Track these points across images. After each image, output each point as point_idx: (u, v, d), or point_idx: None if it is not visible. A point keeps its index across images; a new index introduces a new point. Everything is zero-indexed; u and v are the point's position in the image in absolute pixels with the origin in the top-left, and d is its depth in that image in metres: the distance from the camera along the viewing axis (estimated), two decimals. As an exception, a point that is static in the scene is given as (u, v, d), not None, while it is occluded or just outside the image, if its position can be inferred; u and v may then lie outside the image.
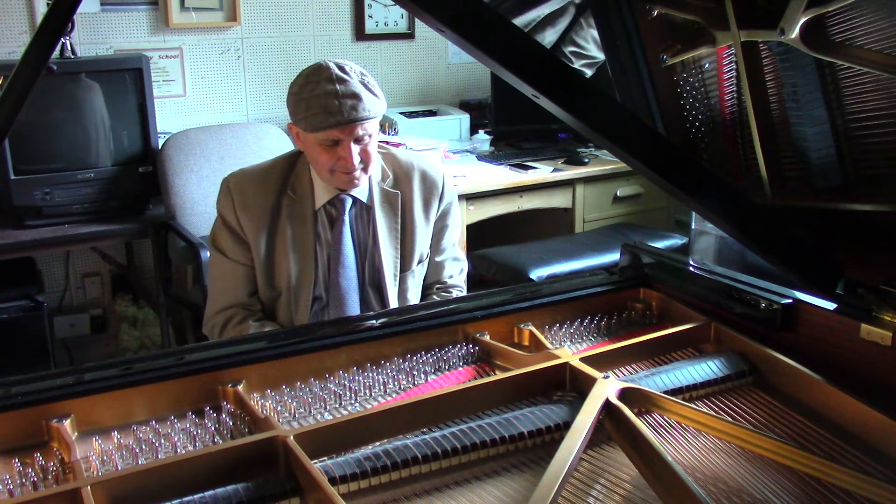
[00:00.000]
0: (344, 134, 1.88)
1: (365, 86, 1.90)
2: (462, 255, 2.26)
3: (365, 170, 1.96)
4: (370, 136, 1.93)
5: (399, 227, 2.07)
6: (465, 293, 2.22)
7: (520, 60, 1.08)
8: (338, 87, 1.86)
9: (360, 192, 2.04)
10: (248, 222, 1.99)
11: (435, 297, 2.16)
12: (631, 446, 1.12)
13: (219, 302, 2.04)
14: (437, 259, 2.16)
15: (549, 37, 3.76)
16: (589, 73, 3.83)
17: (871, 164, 1.21)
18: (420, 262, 2.12)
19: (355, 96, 1.86)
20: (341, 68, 1.89)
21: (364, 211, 2.05)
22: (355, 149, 1.91)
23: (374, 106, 1.90)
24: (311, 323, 2.03)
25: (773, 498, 1.06)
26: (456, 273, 2.21)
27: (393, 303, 2.07)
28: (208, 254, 2.25)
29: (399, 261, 2.07)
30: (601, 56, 3.39)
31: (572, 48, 3.68)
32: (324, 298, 2.05)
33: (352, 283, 2.04)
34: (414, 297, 2.12)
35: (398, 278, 2.07)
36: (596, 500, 1.05)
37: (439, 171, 2.15)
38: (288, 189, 2.02)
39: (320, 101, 1.85)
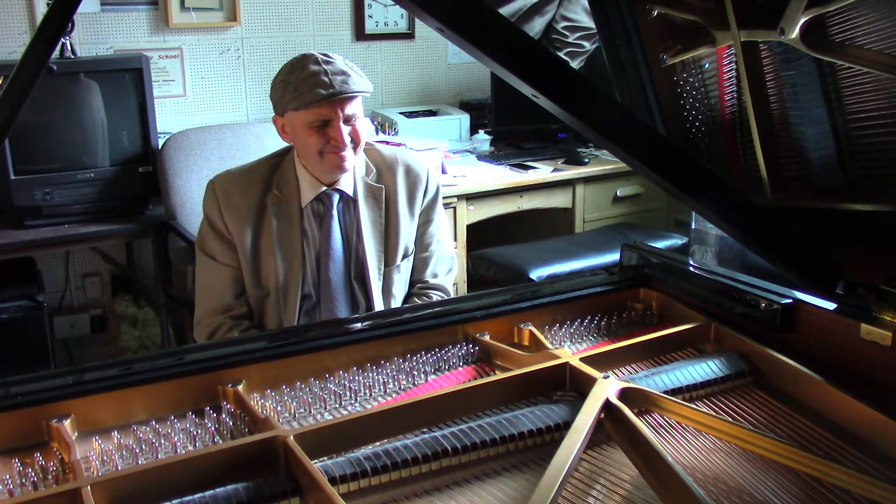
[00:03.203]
0: (334, 111, 1.91)
1: (350, 67, 1.95)
2: (450, 254, 2.24)
3: (355, 149, 1.98)
4: (358, 117, 1.96)
5: (383, 221, 2.07)
6: (448, 295, 2.21)
7: (520, 60, 1.08)
8: (324, 66, 1.91)
9: (346, 186, 2.05)
10: (233, 222, 2.00)
11: (415, 298, 2.15)
12: (631, 446, 1.12)
13: (206, 305, 2.05)
14: (422, 255, 2.16)
15: (537, 25, 3.78)
16: (587, 45, 3.85)
17: (871, 164, 1.21)
18: (405, 257, 2.12)
19: (343, 73, 1.91)
20: (324, 54, 1.95)
21: (350, 205, 2.06)
22: (345, 129, 1.93)
23: (361, 82, 1.93)
24: (311, 323, 2.04)
25: (773, 498, 1.06)
26: (442, 273, 2.19)
27: (377, 298, 2.07)
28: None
29: (383, 255, 2.07)
30: (593, 25, 3.40)
31: (564, 24, 3.70)
32: (313, 296, 2.05)
33: (340, 278, 2.05)
34: (399, 293, 2.12)
35: (382, 273, 2.08)
36: (596, 500, 1.05)
37: (423, 164, 2.16)
38: (273, 188, 2.03)
39: (309, 80, 1.89)
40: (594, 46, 3.77)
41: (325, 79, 1.88)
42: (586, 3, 3.62)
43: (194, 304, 2.11)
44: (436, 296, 2.17)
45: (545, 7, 3.61)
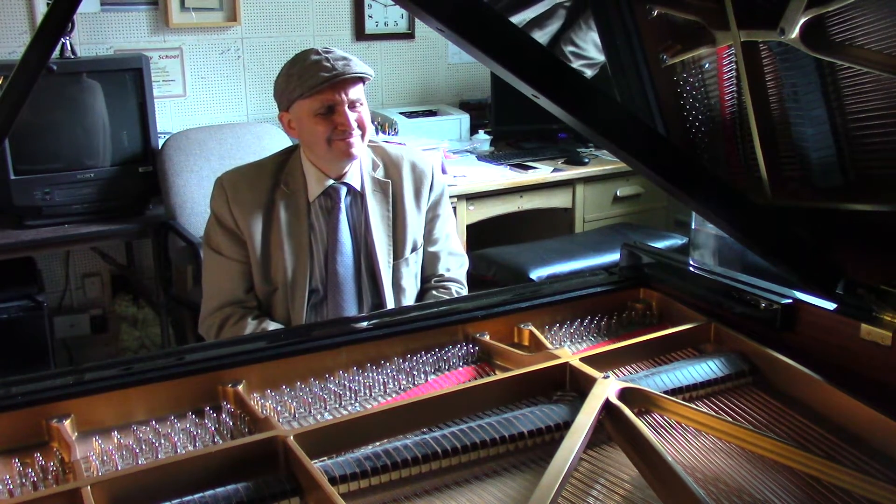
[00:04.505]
0: (338, 94, 1.94)
1: (350, 55, 1.99)
2: (460, 249, 2.27)
3: (362, 136, 2.01)
4: (361, 103, 2.00)
5: (391, 215, 2.10)
6: (465, 288, 2.23)
7: (520, 60, 1.08)
8: (325, 55, 1.96)
9: (353, 180, 2.07)
10: (243, 218, 2.01)
11: (434, 292, 2.17)
12: (631, 446, 1.12)
13: (215, 300, 2.05)
14: (432, 250, 2.18)
15: (538, 39, 3.74)
16: (589, 73, 3.82)
17: (871, 164, 1.21)
18: (413, 250, 2.13)
19: (344, 58, 1.97)
20: (324, 47, 2.00)
21: (357, 199, 2.08)
22: (351, 114, 1.96)
23: (363, 66, 1.98)
24: (312, 323, 2.04)
25: (773, 498, 1.06)
26: (455, 267, 2.22)
27: (388, 291, 2.09)
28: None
29: (392, 248, 2.09)
30: (600, 57, 3.38)
31: (571, 48, 3.69)
32: (320, 291, 2.06)
33: (348, 272, 2.06)
34: (409, 287, 2.13)
35: (392, 266, 2.09)
36: (596, 500, 1.05)
37: (428, 162, 2.19)
38: (281, 184, 2.05)
39: (312, 68, 1.94)
40: (594, 73, 3.77)
41: (328, 64, 1.93)
42: (598, 40, 3.60)
43: (194, 304, 2.11)
44: (454, 287, 2.19)
45: (546, 21, 3.59)
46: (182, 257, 3.12)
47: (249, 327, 1.99)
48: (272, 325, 2.02)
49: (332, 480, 1.04)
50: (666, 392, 1.26)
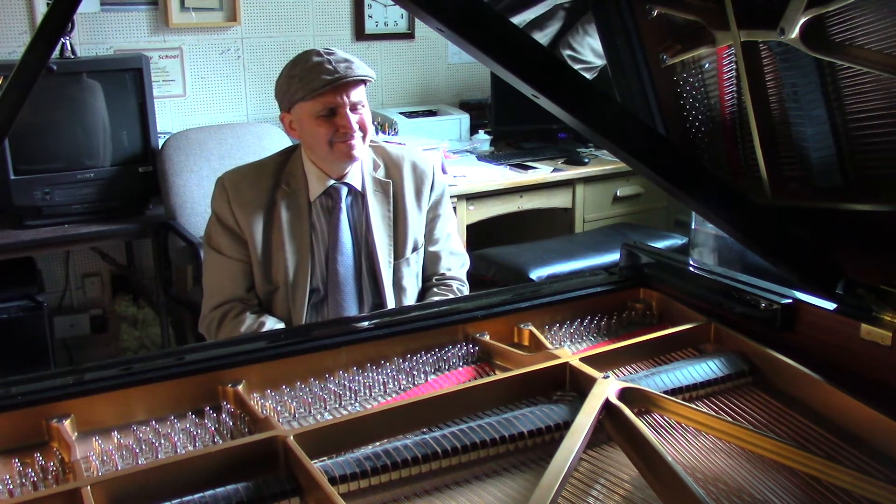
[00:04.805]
0: (340, 97, 1.95)
1: (351, 56, 1.99)
2: (460, 249, 2.27)
3: (363, 138, 2.01)
4: (363, 105, 2.00)
5: (391, 215, 2.10)
6: (466, 285, 2.23)
7: (520, 60, 1.08)
8: (327, 56, 1.96)
9: (354, 180, 2.07)
10: (244, 217, 2.01)
11: (435, 290, 2.18)
12: (631, 446, 1.12)
13: (215, 298, 2.05)
14: (432, 249, 2.19)
15: (537, 40, 3.70)
16: (587, 76, 3.80)
17: (871, 164, 1.21)
18: (414, 250, 2.13)
19: (346, 60, 1.97)
20: (325, 48, 2.00)
21: (358, 199, 2.08)
22: (352, 116, 1.97)
23: (365, 68, 1.98)
24: (312, 323, 2.04)
25: (773, 498, 1.06)
26: (455, 267, 2.22)
27: (388, 291, 2.09)
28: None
29: (392, 248, 2.09)
30: (597, 62, 3.38)
31: (568, 52, 3.67)
32: (321, 290, 2.07)
33: (349, 271, 2.06)
34: (410, 286, 2.14)
35: (392, 265, 2.10)
36: (596, 500, 1.05)
37: (429, 162, 2.20)
38: (282, 183, 2.05)
39: (314, 70, 1.94)
40: (593, 77, 3.77)
41: (330, 66, 1.93)
42: (595, 46, 3.58)
43: (194, 304, 2.11)
44: (455, 284, 2.19)
45: (546, 22, 3.58)
46: (182, 257, 3.12)
47: (248, 320, 2.00)
48: (270, 320, 2.02)
49: (332, 480, 1.04)
50: (666, 392, 1.26)
